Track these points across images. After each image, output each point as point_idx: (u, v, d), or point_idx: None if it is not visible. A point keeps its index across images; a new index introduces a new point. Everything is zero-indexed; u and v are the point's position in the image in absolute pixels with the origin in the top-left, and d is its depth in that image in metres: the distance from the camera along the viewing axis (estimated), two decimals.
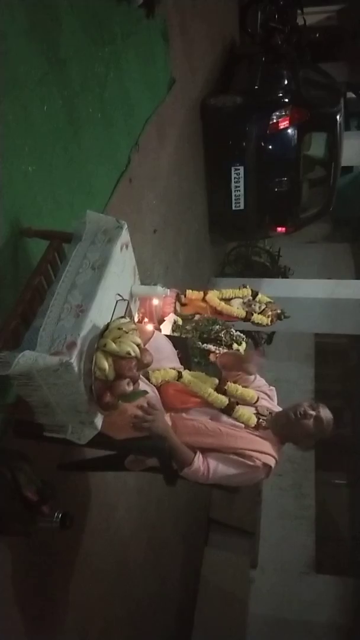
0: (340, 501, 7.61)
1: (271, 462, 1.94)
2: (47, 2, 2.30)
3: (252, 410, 2.05)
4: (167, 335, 2.34)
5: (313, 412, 1.95)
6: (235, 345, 2.48)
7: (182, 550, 5.20)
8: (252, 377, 2.17)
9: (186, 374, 2.08)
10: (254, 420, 1.99)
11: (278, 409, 2.12)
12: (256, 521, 6.63)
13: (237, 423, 1.99)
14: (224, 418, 2.00)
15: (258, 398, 2.10)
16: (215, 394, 2.01)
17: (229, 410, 1.99)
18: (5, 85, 2.02)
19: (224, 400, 2.00)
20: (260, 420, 2.01)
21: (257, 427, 1.99)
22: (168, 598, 4.73)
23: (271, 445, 1.97)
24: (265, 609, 6.15)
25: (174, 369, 2.09)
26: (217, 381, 2.09)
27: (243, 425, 1.99)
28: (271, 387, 2.22)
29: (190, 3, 4.82)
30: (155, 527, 4.21)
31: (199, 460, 1.90)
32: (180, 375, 2.05)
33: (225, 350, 2.42)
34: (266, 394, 2.18)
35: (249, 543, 6.39)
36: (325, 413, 1.97)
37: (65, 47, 2.44)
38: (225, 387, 2.07)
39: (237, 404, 2.02)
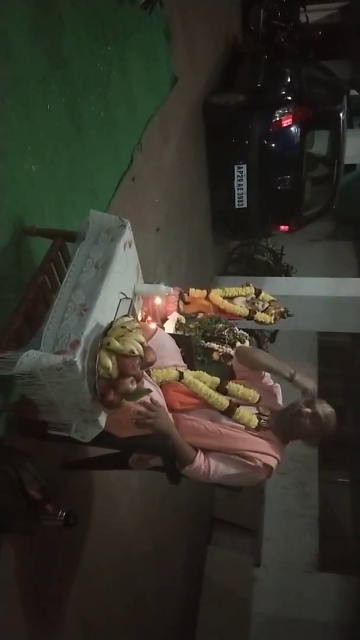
0: (344, 499, 7.60)
1: (272, 462, 1.93)
2: (49, 0, 2.30)
3: (254, 410, 2.03)
4: (170, 334, 2.34)
5: (308, 410, 1.92)
6: (238, 344, 2.48)
7: (185, 548, 5.20)
8: (267, 375, 2.16)
9: (187, 374, 2.06)
10: (255, 422, 1.97)
11: (281, 407, 2.10)
12: (259, 520, 6.64)
13: (238, 424, 1.97)
14: (225, 419, 1.98)
15: (260, 398, 2.08)
16: (216, 395, 1.99)
17: (229, 412, 1.97)
18: (8, 84, 2.02)
19: (224, 402, 1.98)
20: (262, 420, 1.99)
21: (259, 427, 1.97)
22: (171, 596, 4.74)
23: (272, 445, 1.96)
24: (268, 608, 6.15)
25: (175, 366, 2.08)
26: (218, 381, 2.08)
27: (244, 426, 1.97)
28: (276, 385, 2.20)
29: (193, 1, 4.81)
30: (159, 525, 4.21)
31: (200, 458, 1.90)
32: (181, 376, 2.03)
33: (229, 349, 2.41)
34: (270, 392, 2.16)
35: (252, 541, 6.39)
36: (323, 408, 1.94)
37: (67, 45, 2.44)
38: (227, 387, 2.06)
39: (238, 405, 1.99)
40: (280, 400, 2.16)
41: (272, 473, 1.95)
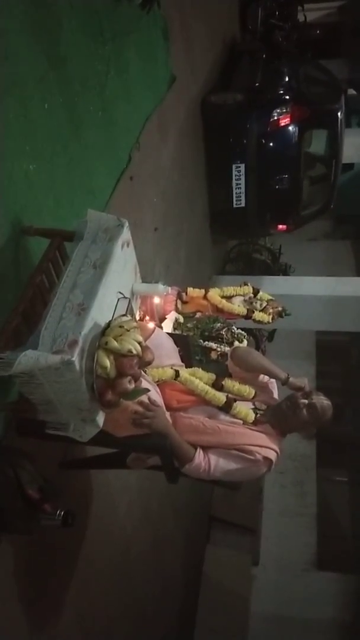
0: (342, 498, 7.61)
1: (272, 455, 1.94)
2: (47, 0, 2.30)
3: (250, 405, 2.05)
4: (168, 333, 2.35)
5: (305, 401, 1.95)
6: (236, 343, 2.48)
7: (184, 548, 5.21)
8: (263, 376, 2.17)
9: (183, 372, 2.06)
10: (252, 416, 1.98)
11: (277, 402, 2.11)
12: (258, 518, 6.64)
13: (235, 420, 1.98)
14: (222, 415, 1.99)
15: (256, 393, 2.09)
16: (213, 391, 2.00)
17: (226, 407, 1.98)
18: (6, 83, 2.02)
19: (221, 398, 1.99)
20: (258, 415, 2.01)
21: (256, 421, 1.99)
22: (170, 595, 4.74)
23: (271, 438, 1.97)
24: (267, 606, 6.16)
25: (173, 366, 2.08)
26: (214, 377, 2.08)
27: (241, 422, 1.98)
28: (271, 380, 2.20)
29: (191, 0, 4.81)
30: (157, 525, 4.21)
31: (199, 456, 1.90)
32: (177, 375, 2.03)
33: (227, 349, 2.42)
34: (266, 388, 2.17)
35: (251, 540, 6.40)
36: (319, 400, 1.96)
37: (65, 45, 2.44)
38: (223, 383, 2.06)
39: (235, 400, 2.01)
40: (276, 395, 2.17)
41: (272, 466, 1.96)
